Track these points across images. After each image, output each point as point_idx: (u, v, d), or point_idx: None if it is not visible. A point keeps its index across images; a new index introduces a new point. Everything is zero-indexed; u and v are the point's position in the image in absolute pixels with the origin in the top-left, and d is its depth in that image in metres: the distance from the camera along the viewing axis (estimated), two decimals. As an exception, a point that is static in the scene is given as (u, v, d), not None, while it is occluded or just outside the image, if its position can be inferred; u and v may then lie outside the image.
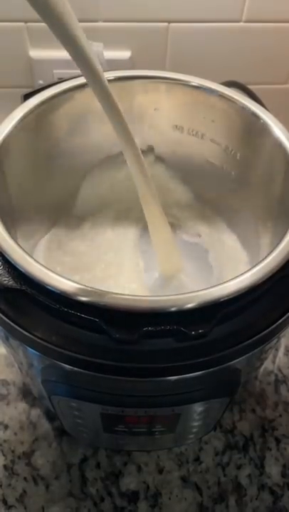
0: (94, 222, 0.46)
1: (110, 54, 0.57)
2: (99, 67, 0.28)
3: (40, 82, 0.60)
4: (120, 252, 0.42)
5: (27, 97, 0.37)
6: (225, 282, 0.27)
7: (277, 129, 0.36)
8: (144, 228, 0.43)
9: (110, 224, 0.46)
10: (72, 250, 0.44)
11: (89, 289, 0.26)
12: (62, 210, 0.46)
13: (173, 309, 0.26)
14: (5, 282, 0.28)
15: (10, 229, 0.30)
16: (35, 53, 0.57)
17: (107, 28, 0.56)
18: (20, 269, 0.27)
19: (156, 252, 0.38)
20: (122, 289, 0.40)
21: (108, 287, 0.40)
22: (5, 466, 0.44)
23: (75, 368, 0.27)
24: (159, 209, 0.36)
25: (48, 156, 0.41)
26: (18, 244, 0.28)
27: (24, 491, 0.43)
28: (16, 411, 0.47)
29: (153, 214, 0.36)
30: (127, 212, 0.46)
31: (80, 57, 0.27)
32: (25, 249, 0.28)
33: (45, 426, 0.46)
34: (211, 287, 0.27)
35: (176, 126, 0.43)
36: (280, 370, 0.51)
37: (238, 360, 0.28)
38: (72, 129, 0.41)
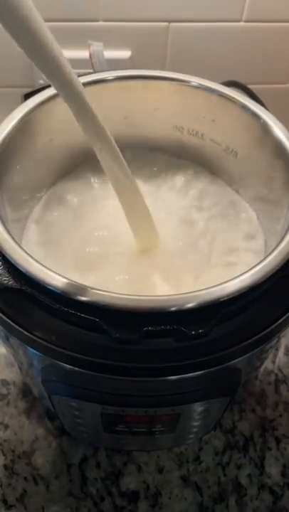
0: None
1: (110, 54, 0.57)
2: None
3: (41, 82, 0.60)
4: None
5: (27, 96, 0.37)
6: (225, 282, 0.27)
7: (277, 128, 0.36)
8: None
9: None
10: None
11: (89, 288, 0.26)
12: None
13: (173, 309, 0.26)
14: (5, 282, 0.28)
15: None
16: (35, 53, 0.57)
17: (107, 28, 0.56)
18: (20, 269, 0.27)
19: (130, 226, 0.37)
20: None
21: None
22: (5, 466, 0.44)
23: (75, 368, 0.27)
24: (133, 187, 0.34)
25: (48, 156, 0.41)
26: (19, 245, 0.29)
27: (24, 491, 0.43)
28: (16, 411, 0.47)
29: (128, 197, 0.34)
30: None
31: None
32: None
33: (45, 426, 0.46)
34: (211, 287, 0.27)
35: (176, 126, 0.43)
36: (280, 369, 0.51)
37: (238, 360, 0.28)
38: (73, 128, 0.41)
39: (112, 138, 0.31)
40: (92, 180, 0.45)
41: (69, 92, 0.28)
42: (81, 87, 0.28)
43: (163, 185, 0.45)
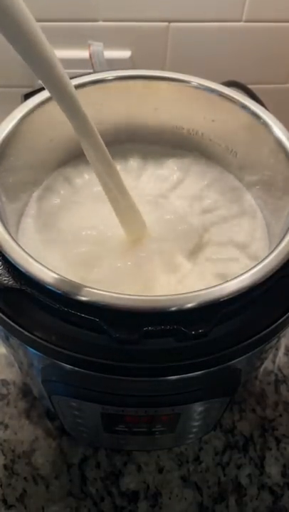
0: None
1: (110, 54, 0.57)
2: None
3: (40, 82, 0.60)
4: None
5: (27, 96, 0.37)
6: (225, 282, 0.27)
7: (277, 128, 0.36)
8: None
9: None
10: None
11: (89, 288, 0.26)
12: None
13: (173, 309, 0.26)
14: (5, 282, 0.28)
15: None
16: (35, 53, 0.57)
17: (107, 28, 0.56)
18: (20, 269, 0.27)
19: (117, 218, 0.37)
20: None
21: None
22: (5, 466, 0.44)
23: (75, 368, 0.27)
24: (118, 180, 0.35)
25: (48, 156, 0.41)
26: (19, 245, 0.29)
27: (24, 491, 0.43)
28: (16, 411, 0.47)
29: (109, 188, 0.35)
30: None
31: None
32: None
33: (45, 426, 0.46)
34: (211, 287, 0.27)
35: (176, 126, 0.43)
36: (280, 369, 0.51)
37: (238, 360, 0.28)
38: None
39: (100, 138, 0.31)
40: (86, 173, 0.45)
41: (61, 92, 0.28)
42: (74, 89, 0.28)
43: (161, 175, 0.45)
